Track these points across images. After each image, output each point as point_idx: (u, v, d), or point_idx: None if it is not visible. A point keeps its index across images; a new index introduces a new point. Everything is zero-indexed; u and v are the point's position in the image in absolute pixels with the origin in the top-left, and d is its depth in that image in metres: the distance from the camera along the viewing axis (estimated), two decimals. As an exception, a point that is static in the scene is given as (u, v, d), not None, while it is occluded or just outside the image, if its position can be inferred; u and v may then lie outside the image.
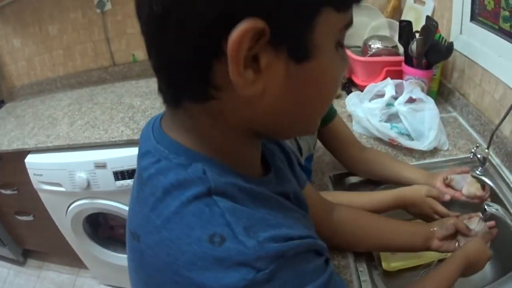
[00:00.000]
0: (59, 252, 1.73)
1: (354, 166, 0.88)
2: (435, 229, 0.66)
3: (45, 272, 1.79)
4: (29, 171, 1.31)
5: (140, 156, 0.34)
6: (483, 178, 0.89)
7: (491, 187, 0.88)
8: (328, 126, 0.83)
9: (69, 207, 1.36)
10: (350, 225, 0.65)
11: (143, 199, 0.32)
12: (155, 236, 0.29)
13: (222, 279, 0.26)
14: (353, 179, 0.91)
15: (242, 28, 0.24)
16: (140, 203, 0.32)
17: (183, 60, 0.27)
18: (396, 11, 1.41)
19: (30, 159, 1.31)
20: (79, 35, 1.60)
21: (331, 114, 0.83)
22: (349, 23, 0.31)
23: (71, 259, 1.66)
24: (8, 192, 1.48)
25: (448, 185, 0.77)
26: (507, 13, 0.85)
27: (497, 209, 0.68)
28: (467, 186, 0.75)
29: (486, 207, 0.67)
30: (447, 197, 0.73)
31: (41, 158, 1.30)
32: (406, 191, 0.74)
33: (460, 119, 1.09)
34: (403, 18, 1.32)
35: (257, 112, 0.30)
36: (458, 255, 0.60)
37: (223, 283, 0.26)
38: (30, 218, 1.56)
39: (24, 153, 1.32)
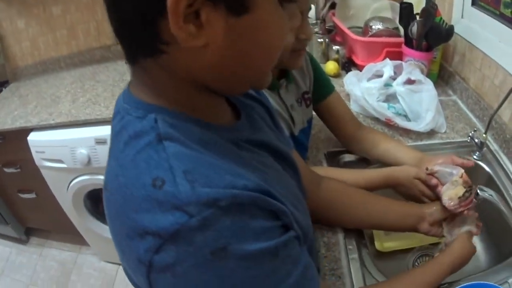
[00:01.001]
0: (61, 230, 1.76)
1: (349, 144, 0.88)
2: (427, 211, 0.64)
3: (47, 250, 1.82)
4: (31, 148, 1.33)
5: (113, 117, 0.37)
6: (480, 162, 0.88)
7: (488, 173, 0.86)
8: (324, 102, 0.83)
9: (70, 183, 1.38)
10: (337, 199, 0.64)
11: (112, 153, 0.34)
12: (115, 182, 0.32)
13: (158, 221, 0.27)
14: (348, 157, 0.91)
15: None
16: (110, 157, 0.35)
17: (133, 19, 0.29)
18: (400, -7, 1.41)
19: (32, 137, 1.33)
20: (82, 15, 1.62)
21: (328, 90, 0.83)
22: None
23: (73, 237, 1.69)
24: (11, 170, 1.50)
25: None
26: None
27: (491, 195, 0.65)
28: (448, 186, 0.64)
29: (478, 191, 0.63)
30: (433, 181, 0.68)
31: (44, 135, 1.32)
32: (396, 171, 0.73)
33: (460, 103, 1.09)
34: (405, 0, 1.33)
35: (204, 64, 0.31)
36: (445, 260, 0.57)
37: (159, 225, 0.27)
38: (33, 195, 1.59)
39: (26, 131, 1.34)
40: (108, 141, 0.36)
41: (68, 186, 1.40)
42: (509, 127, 0.87)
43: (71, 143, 1.26)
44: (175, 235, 0.27)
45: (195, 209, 0.27)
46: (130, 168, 0.31)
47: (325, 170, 0.75)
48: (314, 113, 0.86)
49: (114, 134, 0.34)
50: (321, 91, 0.83)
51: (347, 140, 0.88)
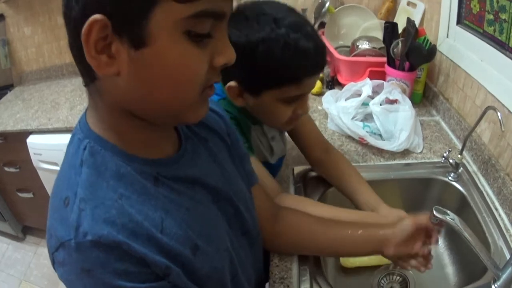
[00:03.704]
0: (56, 230, 1.82)
1: (315, 166, 0.89)
2: (388, 233, 0.59)
3: (41, 249, 1.88)
4: (30, 150, 1.40)
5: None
6: (455, 183, 0.88)
7: (462, 194, 0.85)
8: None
9: (64, 186, 1.44)
10: (293, 230, 0.64)
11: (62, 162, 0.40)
12: (53, 185, 0.39)
13: (57, 229, 0.35)
14: (314, 174, 0.91)
15: (87, 23, 0.30)
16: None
17: (74, 49, 0.34)
18: (391, 13, 1.42)
19: (31, 139, 1.40)
20: (85, 25, 1.69)
21: None
22: (207, 12, 0.32)
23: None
24: (11, 169, 1.57)
25: None
26: (491, 16, 0.85)
27: (452, 219, 0.57)
28: None
29: (434, 211, 0.58)
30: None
31: (42, 139, 1.39)
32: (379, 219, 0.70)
33: (442, 123, 1.09)
34: (396, 20, 1.34)
35: (122, 92, 0.35)
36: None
37: (57, 232, 0.35)
38: (30, 195, 1.65)
39: (26, 133, 1.41)
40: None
41: (62, 188, 1.45)
42: (488, 148, 0.87)
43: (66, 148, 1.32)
44: (63, 245, 0.34)
45: (74, 233, 0.33)
46: (60, 179, 0.38)
47: (298, 202, 0.73)
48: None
49: (67, 148, 0.40)
50: None
51: (313, 163, 0.88)
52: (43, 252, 1.86)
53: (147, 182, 0.38)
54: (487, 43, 0.88)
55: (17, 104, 1.61)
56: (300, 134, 0.85)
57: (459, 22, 1.02)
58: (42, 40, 1.73)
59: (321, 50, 0.62)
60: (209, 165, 0.47)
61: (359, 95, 1.01)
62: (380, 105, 0.97)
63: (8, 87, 1.80)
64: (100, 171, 0.36)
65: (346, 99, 1.00)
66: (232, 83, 0.63)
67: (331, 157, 0.85)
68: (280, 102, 0.63)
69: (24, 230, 1.94)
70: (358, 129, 0.94)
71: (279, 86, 0.60)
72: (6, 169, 1.58)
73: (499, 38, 0.84)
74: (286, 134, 0.88)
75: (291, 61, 0.58)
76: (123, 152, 0.38)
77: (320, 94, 1.23)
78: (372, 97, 1.00)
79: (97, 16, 0.30)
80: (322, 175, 0.88)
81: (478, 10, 0.91)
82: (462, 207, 0.86)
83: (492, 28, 0.86)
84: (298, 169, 0.91)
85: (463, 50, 1.00)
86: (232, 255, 0.48)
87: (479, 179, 0.87)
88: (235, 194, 0.50)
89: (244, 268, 0.52)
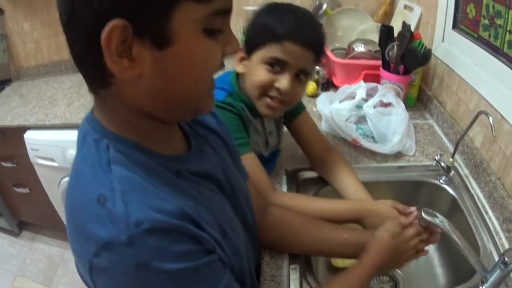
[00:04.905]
0: (52, 226, 1.82)
1: (315, 165, 0.91)
2: (370, 235, 0.61)
3: (37, 244, 1.88)
4: (27, 146, 1.40)
5: (77, 134, 0.42)
6: (446, 186, 0.89)
7: (452, 197, 0.86)
8: (294, 121, 0.87)
9: (61, 181, 1.45)
10: (281, 227, 0.66)
11: (74, 164, 0.40)
12: (73, 189, 0.38)
13: (97, 230, 0.33)
14: (306, 174, 0.92)
15: (107, 28, 0.30)
16: (73, 166, 0.40)
17: (83, 56, 0.34)
18: (388, 16, 1.43)
19: (28, 135, 1.40)
20: (84, 22, 1.68)
21: (298, 109, 0.86)
22: (221, 10, 0.35)
23: (62, 234, 1.75)
24: (8, 164, 1.57)
25: None
26: (487, 21, 0.86)
27: (441, 221, 0.58)
28: None
29: (423, 213, 0.60)
30: (412, 208, 0.67)
31: (39, 134, 1.39)
32: (371, 202, 0.74)
33: (436, 127, 1.10)
34: (392, 23, 1.35)
35: (143, 93, 0.36)
36: (365, 261, 0.57)
37: (97, 234, 0.33)
38: (26, 190, 1.65)
39: (24, 129, 1.41)
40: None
41: (59, 184, 1.46)
42: (480, 152, 0.88)
43: (63, 144, 1.33)
44: (108, 245, 0.32)
45: (125, 226, 0.32)
46: (83, 179, 0.37)
47: (291, 198, 0.76)
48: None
49: (78, 150, 0.40)
50: (292, 110, 0.87)
51: (313, 161, 0.90)
52: (38, 247, 1.86)
53: (171, 175, 0.40)
54: (482, 48, 0.89)
55: (14, 100, 1.61)
56: (301, 130, 0.88)
57: (454, 26, 1.03)
58: (40, 35, 1.72)
59: (309, 25, 0.69)
60: (214, 161, 0.49)
61: (353, 97, 1.02)
62: (374, 107, 0.98)
63: (6, 82, 1.79)
64: (130, 167, 0.36)
65: (340, 101, 1.01)
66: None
67: (331, 155, 0.87)
68: (263, 64, 0.68)
69: (20, 225, 1.94)
70: (351, 131, 0.95)
71: (264, 43, 0.67)
72: (3, 164, 1.58)
73: (494, 43, 0.85)
74: (285, 130, 0.90)
75: (275, 19, 0.66)
76: (145, 148, 0.39)
77: (315, 95, 1.24)
78: (366, 100, 1.01)
79: (117, 21, 0.30)
80: (320, 173, 0.90)
81: (474, 15, 0.92)
82: (453, 210, 0.88)
83: (487, 33, 0.87)
84: (291, 169, 0.93)
85: (458, 55, 1.01)
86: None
87: (470, 183, 0.89)
88: (236, 188, 0.52)
89: (249, 258, 0.54)
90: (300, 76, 0.69)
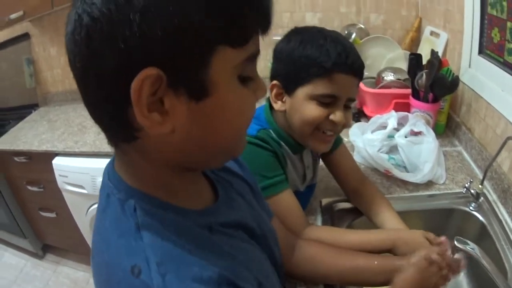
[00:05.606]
0: (78, 251, 1.82)
1: (350, 197, 0.91)
2: (405, 263, 0.59)
3: (61, 268, 1.88)
4: (55, 171, 1.43)
5: (100, 190, 0.39)
6: (475, 213, 0.89)
7: (482, 223, 0.87)
8: (332, 154, 0.87)
9: (89, 208, 1.46)
10: (313, 261, 0.65)
11: (97, 228, 0.38)
12: (100, 257, 0.36)
13: None
14: (341, 205, 0.92)
15: (139, 78, 0.27)
16: (95, 230, 0.38)
17: (104, 109, 0.31)
18: (415, 43, 1.43)
19: (57, 161, 1.42)
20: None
21: (336, 143, 0.87)
22: (252, 55, 0.33)
23: (88, 259, 1.73)
24: (35, 189, 1.60)
25: None
26: (511, 45, 0.87)
27: (472, 248, 0.60)
28: None
29: (456, 242, 0.62)
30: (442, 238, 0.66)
31: (68, 161, 1.41)
32: (404, 232, 0.73)
33: (464, 154, 1.10)
34: (419, 50, 1.36)
35: (174, 148, 0.33)
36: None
37: None
38: (53, 215, 1.67)
39: (52, 154, 1.44)
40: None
41: (87, 211, 1.47)
42: (508, 177, 0.88)
43: (93, 172, 1.34)
44: None
45: None
46: (113, 249, 0.34)
47: (325, 231, 0.75)
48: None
49: (100, 211, 0.38)
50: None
51: (348, 193, 0.90)
52: (63, 271, 1.87)
53: (204, 232, 0.38)
54: (507, 72, 0.90)
55: (42, 125, 1.65)
56: (338, 164, 0.87)
57: (480, 51, 1.04)
58: (67, 61, 1.76)
59: (352, 52, 0.65)
60: (242, 206, 0.48)
61: (385, 127, 1.03)
62: (405, 137, 0.99)
63: (33, 106, 1.83)
64: (161, 231, 0.34)
65: (372, 132, 1.02)
66: (275, 81, 0.69)
67: (366, 187, 0.87)
68: (312, 100, 0.65)
69: (44, 248, 1.95)
70: (384, 161, 0.96)
71: (310, 79, 0.64)
72: (29, 187, 1.61)
73: (519, 67, 0.85)
74: (322, 164, 0.90)
75: (319, 52, 0.63)
76: (175, 207, 0.36)
77: (349, 126, 1.22)
78: (397, 129, 1.02)
79: (151, 70, 0.27)
80: (356, 205, 0.90)
81: (498, 39, 0.93)
82: (482, 235, 0.88)
83: (512, 57, 0.87)
84: (325, 201, 0.93)
85: (484, 80, 1.01)
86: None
87: (498, 208, 0.89)
88: (266, 232, 0.52)
89: None
90: (348, 103, 0.69)
